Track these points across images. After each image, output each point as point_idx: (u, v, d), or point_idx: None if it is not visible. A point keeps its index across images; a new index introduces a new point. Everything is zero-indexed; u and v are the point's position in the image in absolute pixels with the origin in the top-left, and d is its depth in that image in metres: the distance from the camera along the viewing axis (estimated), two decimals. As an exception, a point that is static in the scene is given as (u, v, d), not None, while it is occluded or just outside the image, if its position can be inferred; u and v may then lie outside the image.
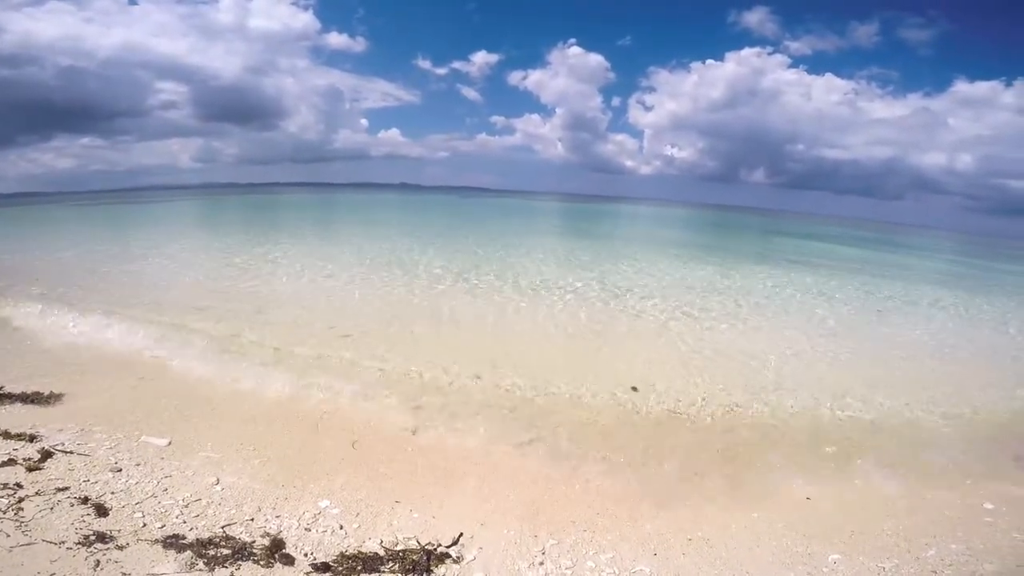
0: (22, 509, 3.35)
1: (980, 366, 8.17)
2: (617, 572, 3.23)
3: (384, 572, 3.08)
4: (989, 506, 4.13)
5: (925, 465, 4.81)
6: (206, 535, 3.25)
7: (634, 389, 6.08)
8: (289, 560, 3.10)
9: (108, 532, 3.18)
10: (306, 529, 3.42)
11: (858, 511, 4.02)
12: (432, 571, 3.12)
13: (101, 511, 3.40)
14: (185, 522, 3.39)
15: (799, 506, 4.10)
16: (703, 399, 5.93)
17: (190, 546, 3.12)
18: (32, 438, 4.36)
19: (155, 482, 3.83)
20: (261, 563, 3.04)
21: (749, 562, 3.38)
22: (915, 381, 7.06)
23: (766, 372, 7.00)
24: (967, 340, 9.73)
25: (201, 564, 2.98)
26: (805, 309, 11.07)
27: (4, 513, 3.27)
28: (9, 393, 5.25)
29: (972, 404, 6.32)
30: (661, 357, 7.38)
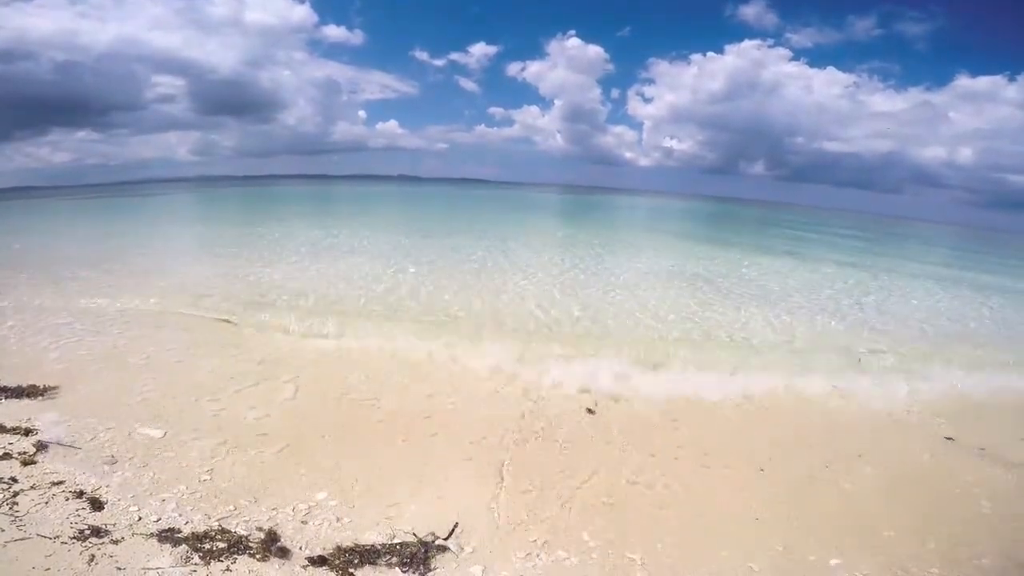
0: (17, 503, 3.33)
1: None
2: (607, 557, 3.24)
3: (381, 565, 3.08)
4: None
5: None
6: (202, 528, 3.24)
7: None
8: (285, 553, 3.09)
9: (103, 526, 3.17)
10: (302, 522, 3.42)
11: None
12: (429, 563, 3.12)
13: (96, 505, 3.39)
14: (181, 515, 3.37)
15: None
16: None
17: (185, 540, 3.11)
18: (27, 432, 4.34)
19: (151, 475, 3.82)
20: (257, 556, 3.03)
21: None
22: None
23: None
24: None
25: (196, 558, 2.97)
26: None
27: (-1, 507, 3.26)
28: (5, 387, 5.23)
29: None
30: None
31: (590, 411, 5.39)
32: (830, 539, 3.56)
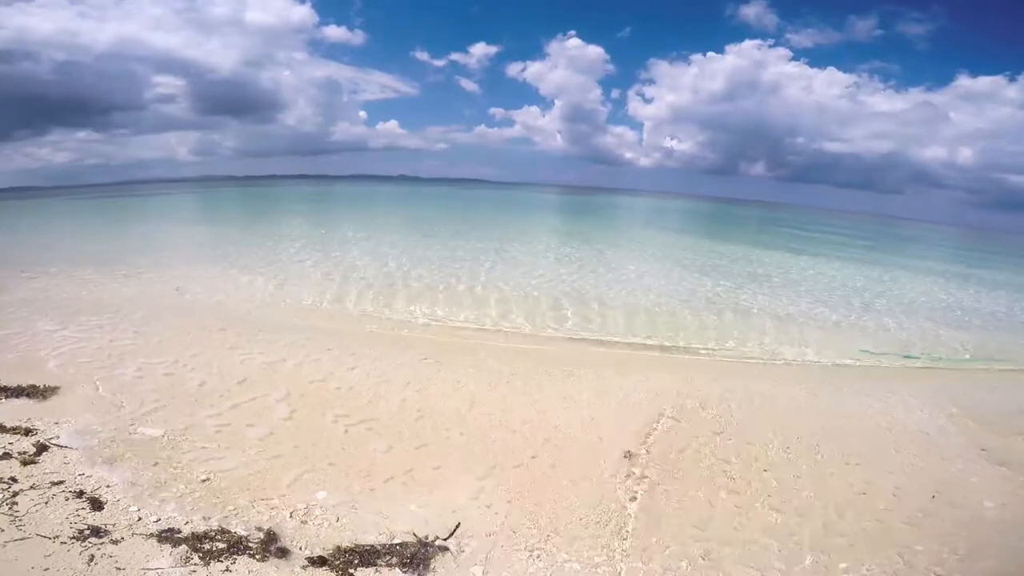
0: (16, 503, 3.33)
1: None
2: (610, 560, 3.22)
3: (381, 565, 3.07)
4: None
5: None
6: (201, 529, 3.24)
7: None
8: (285, 553, 3.08)
9: (103, 526, 3.17)
10: (302, 522, 3.41)
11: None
12: (429, 563, 3.11)
13: (96, 505, 3.38)
14: (180, 515, 3.36)
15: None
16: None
17: (185, 540, 3.10)
18: (28, 432, 4.33)
19: (150, 475, 3.81)
20: (257, 557, 3.03)
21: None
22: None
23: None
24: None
25: (196, 558, 2.97)
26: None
27: (-2, 507, 3.25)
28: (5, 387, 5.22)
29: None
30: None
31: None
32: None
